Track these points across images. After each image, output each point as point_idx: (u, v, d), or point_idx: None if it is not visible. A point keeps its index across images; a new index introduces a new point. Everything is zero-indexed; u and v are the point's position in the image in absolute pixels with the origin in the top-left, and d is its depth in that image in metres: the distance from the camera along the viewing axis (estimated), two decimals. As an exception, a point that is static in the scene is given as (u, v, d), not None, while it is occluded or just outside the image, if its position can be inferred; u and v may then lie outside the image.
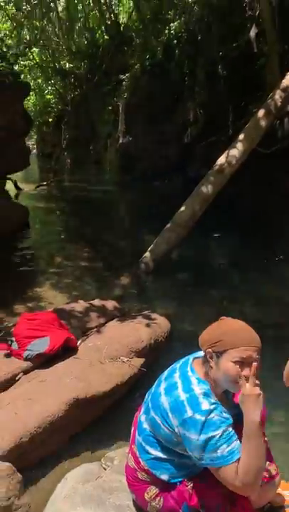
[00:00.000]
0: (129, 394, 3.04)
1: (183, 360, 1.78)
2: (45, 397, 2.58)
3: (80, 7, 19.09)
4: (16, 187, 12.49)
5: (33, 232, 8.09)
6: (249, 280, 5.78)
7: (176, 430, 1.60)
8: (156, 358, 3.42)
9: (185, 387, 1.63)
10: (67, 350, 3.12)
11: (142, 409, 1.85)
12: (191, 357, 1.77)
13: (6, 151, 7.12)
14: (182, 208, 5.92)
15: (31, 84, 21.90)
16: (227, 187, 6.52)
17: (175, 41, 13.21)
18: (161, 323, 3.71)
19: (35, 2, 18.10)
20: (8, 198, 8.12)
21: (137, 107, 14.99)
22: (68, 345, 3.11)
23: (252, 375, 1.55)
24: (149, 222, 8.45)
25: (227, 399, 1.81)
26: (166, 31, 13.78)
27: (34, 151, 27.52)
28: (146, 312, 3.97)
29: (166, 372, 1.79)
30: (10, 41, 17.59)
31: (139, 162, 15.28)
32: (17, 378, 2.82)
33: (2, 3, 16.09)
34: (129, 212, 10.68)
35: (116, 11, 18.83)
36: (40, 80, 22.37)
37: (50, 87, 21.96)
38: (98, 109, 18.00)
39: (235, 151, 6.10)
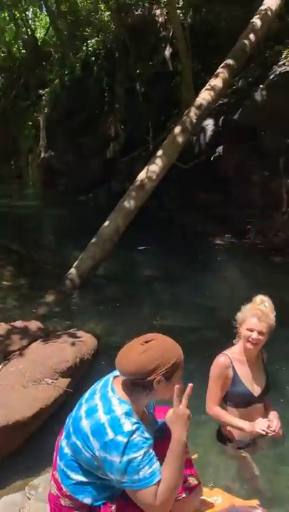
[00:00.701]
0: (57, 416, 2.97)
1: (103, 380, 1.76)
2: None
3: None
4: None
5: None
6: (175, 291, 5.94)
7: (96, 454, 1.57)
8: (83, 377, 3.38)
9: (105, 408, 1.61)
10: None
11: (63, 434, 1.81)
12: (111, 376, 1.75)
13: None
14: (106, 223, 5.94)
15: None
16: (149, 199, 6.69)
17: (93, 58, 13.36)
18: (88, 341, 3.68)
19: None
20: None
21: (58, 121, 14.90)
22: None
23: (186, 396, 1.62)
24: (74, 238, 8.39)
25: (148, 414, 1.83)
26: (84, 48, 13.90)
27: None
28: (71, 330, 3.91)
29: (86, 394, 1.76)
30: None
31: (62, 177, 15.17)
32: None
33: None
34: (54, 228, 10.51)
35: (32, 26, 18.65)
36: None
37: None
38: (18, 123, 17.62)
39: (155, 167, 6.27)
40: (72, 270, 5.59)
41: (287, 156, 7.66)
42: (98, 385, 1.74)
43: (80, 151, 14.67)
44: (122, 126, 12.91)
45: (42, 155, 15.86)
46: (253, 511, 1.75)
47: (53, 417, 2.94)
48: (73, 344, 3.47)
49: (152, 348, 1.63)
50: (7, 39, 19.21)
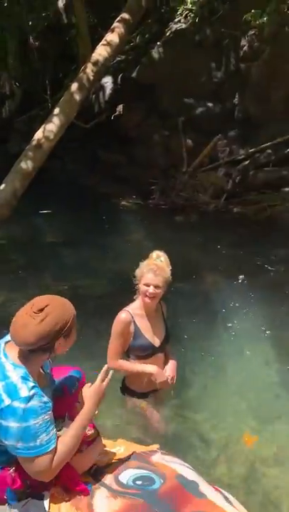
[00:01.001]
0: None
1: None
2: None
3: None
4: None
5: None
6: (80, 255, 5.86)
7: None
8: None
9: (0, 375, 1.55)
10: None
11: None
12: (2, 342, 1.68)
13: None
14: (2, 186, 5.60)
15: None
16: (49, 161, 6.42)
17: (-21, 6, 12.10)
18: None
19: None
20: None
21: None
22: None
23: (104, 372, 1.68)
24: None
25: (45, 374, 1.79)
26: None
27: None
28: None
29: None
30: None
31: None
32: None
33: None
34: None
35: None
36: None
37: None
38: None
39: (52, 126, 5.99)
40: None
41: (186, 115, 7.77)
42: None
43: (-29, 111, 13.54)
44: (18, 84, 12.09)
45: None
46: (152, 455, 1.82)
47: None
48: None
49: (49, 314, 1.57)
50: None
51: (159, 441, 2.12)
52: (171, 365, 2.63)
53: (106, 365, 1.73)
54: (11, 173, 5.72)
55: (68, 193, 8.99)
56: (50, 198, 8.07)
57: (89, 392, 1.69)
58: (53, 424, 1.57)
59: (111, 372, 1.73)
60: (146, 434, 2.41)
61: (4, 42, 11.83)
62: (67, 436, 1.60)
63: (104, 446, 1.92)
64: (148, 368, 2.48)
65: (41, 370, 1.74)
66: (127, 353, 2.59)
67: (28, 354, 1.60)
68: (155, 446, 1.98)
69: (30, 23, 10.89)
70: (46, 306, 1.60)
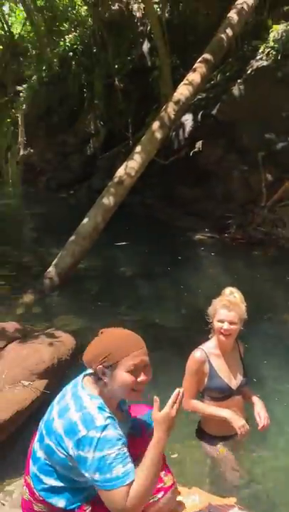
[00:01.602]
0: (34, 418, 2.91)
1: (73, 381, 1.74)
2: None
3: None
4: None
5: None
6: (154, 287, 5.91)
7: (70, 453, 1.53)
8: (61, 378, 3.32)
9: (77, 406, 1.58)
10: None
11: (36, 437, 1.77)
12: (81, 376, 1.73)
13: None
14: (85, 220, 5.87)
15: None
16: (129, 196, 6.65)
17: (71, 53, 13.19)
18: (66, 341, 3.62)
19: None
20: None
21: (37, 118, 14.71)
22: None
23: (175, 396, 1.60)
24: (53, 236, 8.29)
25: (122, 411, 1.80)
26: (62, 43, 13.72)
27: None
28: (49, 330, 3.85)
29: (58, 397, 1.73)
30: None
31: (42, 174, 15.00)
32: None
33: None
34: (33, 226, 10.37)
35: (9, 22, 18.33)
36: None
37: None
38: (-5, 121, 17.33)
39: (134, 163, 6.21)
40: (51, 269, 5.51)
41: (266, 150, 7.69)
42: (69, 386, 1.72)
43: (60, 148, 14.55)
44: (102, 123, 12.81)
45: (21, 152, 15.64)
46: (229, 510, 1.73)
47: (30, 419, 2.88)
48: (51, 344, 3.41)
49: (97, 339, 1.67)
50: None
51: (237, 493, 2.00)
52: (259, 403, 2.50)
53: (177, 389, 1.64)
54: (93, 207, 5.99)
55: (145, 226, 9.21)
56: (128, 231, 8.31)
57: (158, 419, 1.61)
58: (130, 457, 1.54)
59: (181, 392, 1.64)
60: (223, 483, 2.27)
61: (92, 85, 12.72)
62: (144, 468, 1.53)
63: (179, 493, 1.86)
64: (222, 412, 2.37)
65: (118, 407, 1.76)
66: (201, 394, 2.52)
67: (96, 383, 1.65)
68: (232, 500, 1.88)
69: (117, 66, 11.61)
70: (107, 330, 1.69)
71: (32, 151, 15.16)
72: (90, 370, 1.70)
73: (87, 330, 4.44)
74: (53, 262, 5.60)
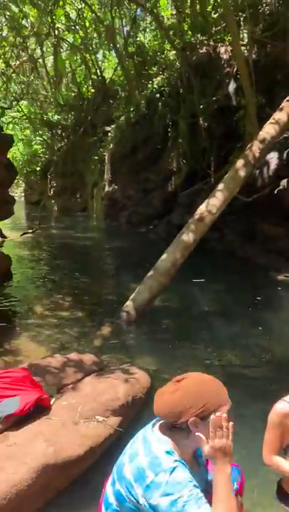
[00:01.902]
0: (106, 456, 2.88)
1: (147, 425, 1.68)
2: (12, 463, 2.41)
3: (67, 63, 20.05)
4: (1, 235, 12.49)
5: (15, 281, 7.98)
6: (232, 328, 5.70)
7: (140, 501, 1.46)
8: (135, 416, 3.28)
9: (146, 450, 1.52)
10: (39, 410, 2.96)
11: (109, 480, 1.72)
12: (154, 420, 1.67)
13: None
14: (164, 256, 5.91)
15: (19, 135, 22.62)
16: (209, 232, 6.60)
17: (158, 95, 13.77)
18: (141, 378, 3.58)
19: (24, 58, 18.98)
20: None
21: (122, 156, 15.42)
22: (41, 404, 2.95)
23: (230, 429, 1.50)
24: (133, 270, 8.45)
25: (198, 464, 1.70)
26: (150, 85, 14.40)
27: (22, 199, 27.92)
28: (125, 366, 3.84)
29: (131, 441, 1.68)
30: (-1, 94, 18.27)
31: (125, 210, 15.53)
32: (-17, 443, 2.64)
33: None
34: (114, 260, 10.67)
35: (101, 67, 19.73)
36: (28, 131, 23.02)
37: (37, 138, 22.56)
38: (85, 158, 18.46)
39: (215, 200, 6.20)
40: (129, 303, 5.57)
41: None
42: (142, 430, 1.67)
43: (143, 185, 15.04)
44: (184, 161, 13.06)
45: (106, 188, 16.40)
46: None
47: (102, 456, 2.85)
48: (126, 381, 3.39)
49: (183, 388, 1.55)
50: (78, 80, 20.48)
51: None
52: None
53: (213, 417, 1.51)
54: (173, 244, 6.02)
55: (224, 263, 9.05)
56: (206, 267, 8.22)
57: (207, 454, 1.49)
58: (206, 500, 1.42)
59: (231, 424, 1.52)
60: None
61: (176, 124, 13.11)
62: (217, 505, 1.42)
63: None
64: None
65: (193, 458, 1.66)
66: (284, 451, 2.31)
67: (171, 432, 1.56)
68: None
69: (201, 106, 11.87)
70: (185, 379, 1.58)
71: (116, 187, 15.84)
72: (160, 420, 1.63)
73: (163, 368, 4.39)
74: (131, 297, 5.65)
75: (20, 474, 2.34)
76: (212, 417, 1.50)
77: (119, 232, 14.62)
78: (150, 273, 5.81)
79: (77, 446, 2.63)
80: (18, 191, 32.12)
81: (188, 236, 5.98)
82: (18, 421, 2.86)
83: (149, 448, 1.52)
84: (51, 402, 3.10)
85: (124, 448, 1.69)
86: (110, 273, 9.15)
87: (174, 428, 1.56)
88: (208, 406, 1.51)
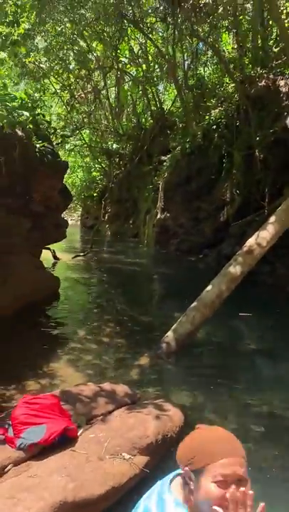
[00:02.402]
0: (128, 497, 2.73)
1: (164, 478, 1.54)
2: (30, 496, 2.34)
3: (128, 94, 20.79)
4: (54, 257, 12.85)
5: (61, 303, 8.11)
6: (278, 368, 5.38)
7: None
8: (164, 456, 3.11)
9: (159, 511, 1.37)
10: (65, 440, 2.89)
11: None
12: (172, 474, 1.53)
13: (43, 224, 7.40)
14: (209, 287, 5.75)
15: (79, 162, 23.51)
16: (258, 264, 6.37)
17: (214, 126, 13.83)
18: (174, 416, 3.42)
19: (89, 89, 19.89)
20: (41, 267, 8.26)
21: (176, 185, 15.52)
22: (67, 435, 2.88)
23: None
24: (179, 298, 8.29)
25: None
26: (207, 117, 14.52)
27: (78, 222, 28.81)
28: (158, 401, 3.69)
29: (147, 492, 1.55)
30: (62, 123, 19.20)
31: (175, 237, 15.51)
32: (6, 470, 2.60)
33: (59, 90, 17.76)
34: (161, 287, 10.58)
35: (161, 99, 20.22)
36: (88, 159, 23.88)
37: (96, 165, 23.32)
38: (139, 186, 18.79)
39: (266, 233, 6.00)
40: (170, 333, 5.43)
41: None
42: (159, 482, 1.53)
43: (195, 214, 15.00)
44: (238, 191, 12.90)
45: (158, 216, 16.50)
46: None
47: (124, 496, 2.71)
48: (158, 418, 3.24)
49: (192, 435, 1.44)
50: (138, 110, 21.11)
51: None
52: None
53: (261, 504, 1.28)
54: (219, 275, 5.86)
55: (274, 298, 8.68)
56: (253, 301, 7.91)
57: None
58: None
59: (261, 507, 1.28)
60: None
61: (231, 155, 13.04)
62: None
63: None
64: None
65: None
66: None
67: (185, 486, 1.40)
68: None
69: (258, 138, 11.75)
70: (203, 428, 1.47)
71: (168, 215, 15.90)
72: (180, 470, 1.49)
73: (199, 407, 4.19)
74: (172, 327, 5.52)
75: (37, 509, 2.26)
76: (209, 473, 1.32)
77: (168, 260, 14.57)
78: (194, 304, 5.66)
79: (98, 485, 2.52)
80: (75, 215, 33.15)
81: (235, 268, 5.80)
82: (43, 450, 2.80)
83: (164, 510, 1.37)
84: (78, 433, 3.02)
85: (139, 500, 1.56)
86: (155, 300, 9.06)
87: (185, 482, 1.42)
88: (197, 459, 1.34)
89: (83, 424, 3.24)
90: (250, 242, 6.01)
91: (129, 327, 6.70)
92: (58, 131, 11.70)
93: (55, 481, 2.47)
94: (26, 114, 5.88)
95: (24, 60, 12.41)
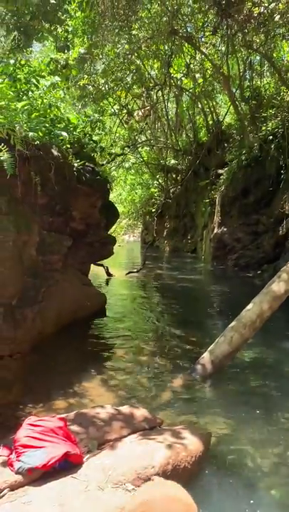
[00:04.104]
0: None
1: None
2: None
3: (185, 109, 20.83)
4: (108, 273, 12.98)
5: (106, 320, 8.10)
6: None
7: None
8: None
9: None
10: (68, 466, 2.78)
11: None
12: None
13: (86, 242, 7.49)
14: (249, 306, 5.41)
15: (138, 179, 23.82)
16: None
17: (271, 137, 13.36)
18: (191, 445, 3.18)
19: (147, 107, 20.20)
20: (88, 284, 8.34)
21: (233, 199, 15.15)
22: (69, 460, 2.77)
23: None
24: (228, 317, 7.94)
25: None
26: (264, 128, 14.07)
27: (138, 238, 29.11)
28: (178, 428, 3.47)
29: None
30: (122, 142, 19.63)
31: (233, 252, 15.07)
32: (1, 494, 2.54)
33: (117, 110, 18.22)
34: (212, 305, 10.23)
35: (218, 112, 19.97)
36: (147, 176, 24.13)
37: (155, 182, 23.49)
38: (197, 201, 18.57)
39: (313, 247, 5.56)
40: (206, 354, 5.16)
41: None
42: None
43: (253, 228, 14.51)
44: (298, 203, 12.28)
45: (215, 230, 16.16)
46: None
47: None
48: (170, 447, 3.02)
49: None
50: (196, 126, 21.03)
51: None
52: None
53: None
54: (261, 293, 5.50)
55: None
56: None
57: None
58: None
59: None
60: None
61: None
62: None
63: None
64: None
65: None
66: None
67: None
68: None
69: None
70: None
71: (225, 229, 15.51)
72: None
73: (230, 436, 3.88)
74: (209, 348, 5.24)
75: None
76: None
77: (225, 276, 14.13)
78: (232, 324, 5.35)
79: (91, 517, 2.37)
80: (137, 232, 33.60)
81: (278, 286, 5.41)
82: (44, 475, 2.71)
83: None
84: (85, 458, 2.90)
85: None
86: (204, 319, 8.74)
87: None
88: None
89: (94, 449, 3.11)
90: (296, 257, 5.61)
91: (171, 347, 6.49)
92: (107, 150, 11.93)
93: (46, 511, 2.36)
94: (64, 134, 6.01)
95: (79, 82, 12.88)
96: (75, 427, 3.27)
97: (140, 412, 3.64)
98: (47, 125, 5.72)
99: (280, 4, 11.57)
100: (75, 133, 7.09)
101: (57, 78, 8.25)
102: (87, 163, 6.60)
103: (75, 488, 2.59)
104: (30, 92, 6.80)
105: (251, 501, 2.93)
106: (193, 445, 3.20)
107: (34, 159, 5.11)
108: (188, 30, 13.92)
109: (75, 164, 6.10)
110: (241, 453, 3.62)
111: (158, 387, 4.89)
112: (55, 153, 5.57)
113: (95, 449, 3.12)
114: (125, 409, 3.68)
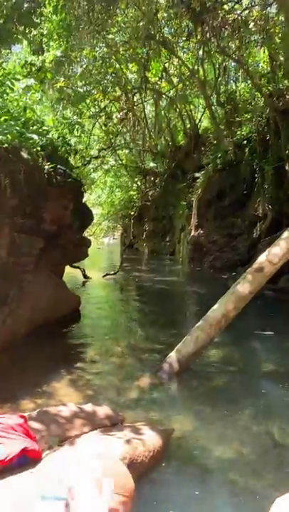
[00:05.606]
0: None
1: None
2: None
3: (163, 113, 21.01)
4: (84, 276, 13.02)
5: (80, 322, 8.15)
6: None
7: None
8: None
9: None
10: (27, 461, 2.85)
11: None
12: None
13: (59, 243, 7.52)
14: (215, 306, 5.55)
15: (116, 182, 23.88)
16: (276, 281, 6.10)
17: (245, 141, 13.64)
18: (149, 440, 3.28)
19: (124, 110, 20.28)
20: (62, 286, 8.37)
21: (209, 202, 15.40)
22: (27, 456, 2.84)
23: None
24: (201, 317, 8.09)
25: None
26: (238, 132, 14.35)
27: (119, 241, 29.18)
28: (139, 424, 3.57)
29: None
30: (101, 144, 19.67)
31: (209, 254, 15.29)
32: None
33: (95, 113, 18.24)
34: (186, 306, 10.39)
35: (196, 116, 20.23)
36: (126, 178, 24.22)
37: (134, 185, 23.61)
38: (174, 203, 18.77)
39: (278, 250, 5.74)
40: (173, 354, 5.28)
41: None
42: None
43: (228, 230, 14.76)
44: (270, 206, 12.57)
45: (192, 233, 16.38)
46: None
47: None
48: (128, 442, 3.12)
49: None
50: (174, 129, 21.25)
51: None
52: None
53: None
54: (226, 294, 5.66)
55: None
56: (276, 319, 7.56)
57: None
58: None
59: None
60: None
61: (262, 170, 12.76)
62: None
63: None
64: None
65: None
66: None
67: None
68: None
69: (287, 151, 11.44)
70: None
71: (201, 231, 15.74)
72: None
73: (192, 432, 3.98)
74: (176, 347, 5.37)
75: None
76: None
77: (201, 278, 14.34)
78: (199, 323, 5.48)
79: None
80: (117, 234, 33.69)
81: (243, 287, 5.57)
82: (2, 470, 2.77)
83: None
84: (43, 455, 2.97)
85: None
86: (177, 319, 8.88)
87: None
88: None
89: (55, 445, 3.18)
90: (261, 259, 5.78)
91: (141, 347, 6.59)
92: (84, 152, 11.99)
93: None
94: (35, 137, 6.06)
95: (55, 85, 12.89)
96: (37, 425, 3.33)
97: (103, 410, 3.73)
98: (18, 128, 5.76)
99: (253, 11, 11.84)
100: (48, 136, 7.15)
101: (32, 81, 8.30)
102: (59, 166, 6.65)
103: (31, 482, 2.66)
104: (4, 95, 6.84)
105: (196, 492, 3.04)
106: (152, 441, 3.30)
107: (3, 162, 5.15)
108: (165, 34, 14.08)
109: (46, 167, 6.15)
110: (199, 449, 3.72)
111: (125, 387, 4.98)
112: (25, 155, 5.62)
113: (55, 445, 3.19)
114: (88, 407, 3.76)
